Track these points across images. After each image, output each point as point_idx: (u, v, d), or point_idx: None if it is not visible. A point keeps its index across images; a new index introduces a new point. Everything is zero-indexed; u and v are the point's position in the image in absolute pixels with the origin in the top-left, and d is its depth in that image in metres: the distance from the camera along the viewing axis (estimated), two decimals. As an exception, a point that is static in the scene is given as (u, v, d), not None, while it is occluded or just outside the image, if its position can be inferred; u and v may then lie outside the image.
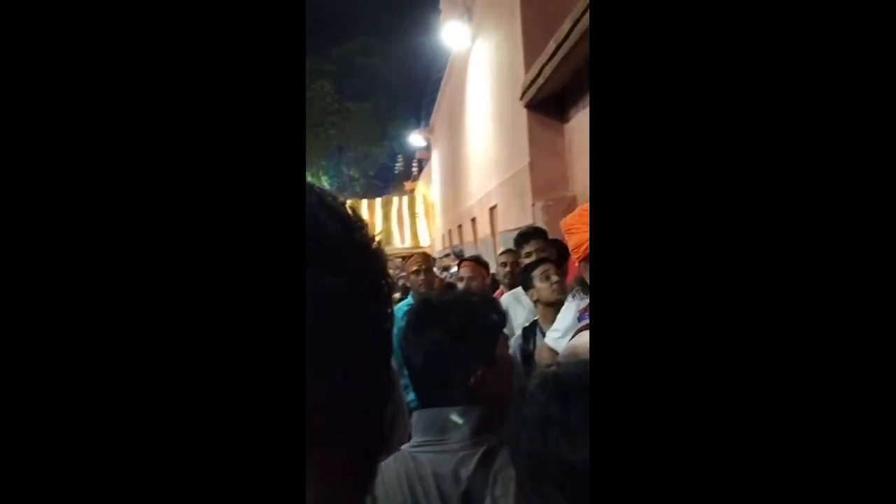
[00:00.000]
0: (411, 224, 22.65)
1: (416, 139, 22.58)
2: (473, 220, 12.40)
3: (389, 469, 1.14)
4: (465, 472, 1.13)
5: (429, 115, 20.73)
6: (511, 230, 8.52)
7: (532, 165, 7.47)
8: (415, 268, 4.02)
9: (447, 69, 14.90)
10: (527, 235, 3.49)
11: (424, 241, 22.18)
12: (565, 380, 0.83)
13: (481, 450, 1.15)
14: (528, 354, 3.10)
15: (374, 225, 22.34)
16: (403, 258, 13.12)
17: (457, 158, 14.51)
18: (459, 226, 14.75)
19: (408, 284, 4.40)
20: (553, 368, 0.86)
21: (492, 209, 10.40)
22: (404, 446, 1.21)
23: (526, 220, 7.78)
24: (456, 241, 15.28)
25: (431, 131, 20.59)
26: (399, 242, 21.77)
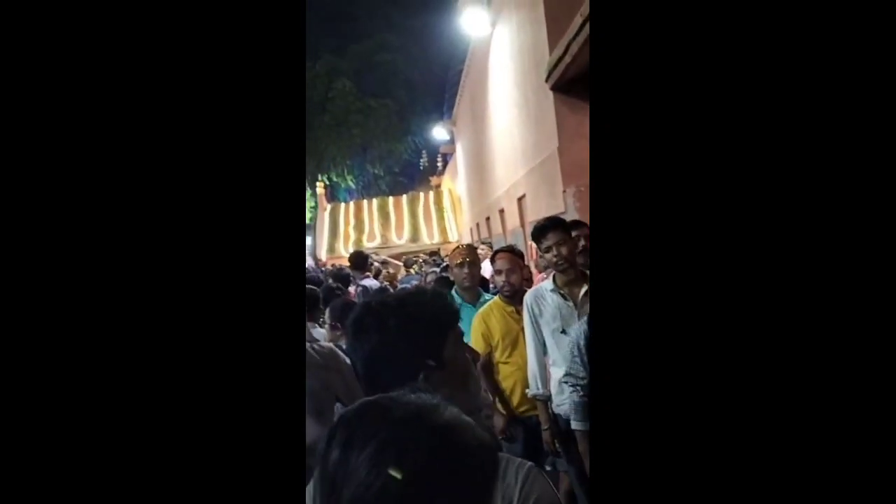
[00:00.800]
0: (439, 219, 22.40)
1: (439, 132, 22.28)
2: (502, 211, 12.07)
3: None
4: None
5: (451, 107, 20.42)
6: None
7: (561, 150, 7.12)
8: (458, 260, 3.66)
9: (467, 58, 14.56)
10: (544, 229, 3.08)
11: (453, 236, 21.90)
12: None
13: None
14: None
15: (401, 221, 22.20)
16: (432, 253, 12.93)
17: (482, 149, 14.19)
18: (487, 218, 14.43)
19: (451, 278, 4.07)
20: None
21: (520, 199, 10.05)
22: None
23: (557, 208, 7.43)
24: (484, 234, 14.97)
25: (454, 123, 20.28)
26: (427, 239, 21.56)
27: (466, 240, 19.70)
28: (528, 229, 9.35)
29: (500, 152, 11.55)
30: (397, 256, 16.72)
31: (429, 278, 6.04)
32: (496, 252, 3.64)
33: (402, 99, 28.46)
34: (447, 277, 5.02)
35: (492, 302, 3.30)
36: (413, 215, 22.30)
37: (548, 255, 3.01)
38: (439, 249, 14.55)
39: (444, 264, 6.58)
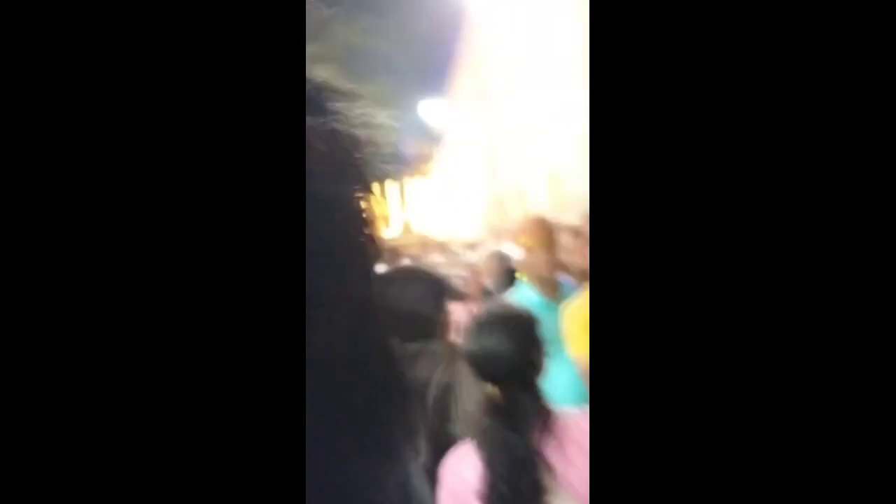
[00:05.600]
0: (435, 209, 20.90)
1: (434, 111, 20.65)
2: (522, 193, 10.48)
3: None
4: None
5: (444, 85, 18.94)
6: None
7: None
8: (523, 243, 2.61)
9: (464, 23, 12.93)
10: None
11: (448, 227, 20.41)
12: None
13: None
14: None
15: (392, 211, 20.63)
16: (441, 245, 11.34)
17: (491, 125, 12.58)
18: (499, 203, 12.82)
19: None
20: None
21: (550, 175, 8.45)
22: None
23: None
24: (493, 223, 13.37)
25: (450, 101, 18.67)
26: (420, 230, 20.05)
27: (467, 232, 18.16)
28: (566, 210, 7.78)
29: (521, 125, 9.95)
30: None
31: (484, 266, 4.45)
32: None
33: (388, 83, 26.90)
34: (510, 268, 3.66)
35: (584, 290, 2.22)
36: (405, 204, 20.80)
37: None
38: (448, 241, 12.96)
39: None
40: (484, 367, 1.24)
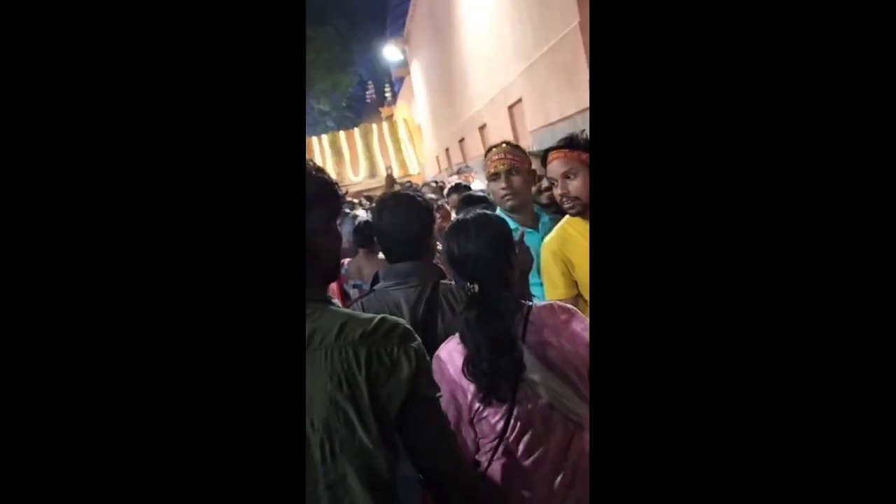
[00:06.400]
0: (396, 151, 20.70)
1: (391, 52, 20.23)
2: (483, 127, 10.54)
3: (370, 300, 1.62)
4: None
5: (398, 28, 18.52)
6: (556, 122, 6.73)
7: (585, 25, 5.59)
8: (492, 170, 2.20)
9: (422, -44, 12.69)
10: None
11: (413, 169, 20.32)
12: None
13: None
14: None
15: (356, 157, 20.45)
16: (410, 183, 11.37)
17: (449, 61, 12.49)
18: (461, 140, 12.86)
19: (490, 198, 2.62)
20: None
21: (512, 107, 8.54)
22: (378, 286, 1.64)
23: (578, 104, 5.98)
24: (457, 159, 13.43)
25: (407, 41, 18.36)
26: (386, 173, 19.89)
27: (431, 171, 18.13)
28: (530, 140, 7.91)
29: (477, 57, 9.94)
30: (357, 194, 15.23)
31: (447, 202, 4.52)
32: (549, 150, 2.11)
33: (342, 26, 26.14)
34: (474, 195, 3.55)
35: (563, 223, 2.00)
36: (368, 149, 20.53)
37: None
38: (409, 182, 12.92)
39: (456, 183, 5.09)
40: (465, 268, 1.35)
